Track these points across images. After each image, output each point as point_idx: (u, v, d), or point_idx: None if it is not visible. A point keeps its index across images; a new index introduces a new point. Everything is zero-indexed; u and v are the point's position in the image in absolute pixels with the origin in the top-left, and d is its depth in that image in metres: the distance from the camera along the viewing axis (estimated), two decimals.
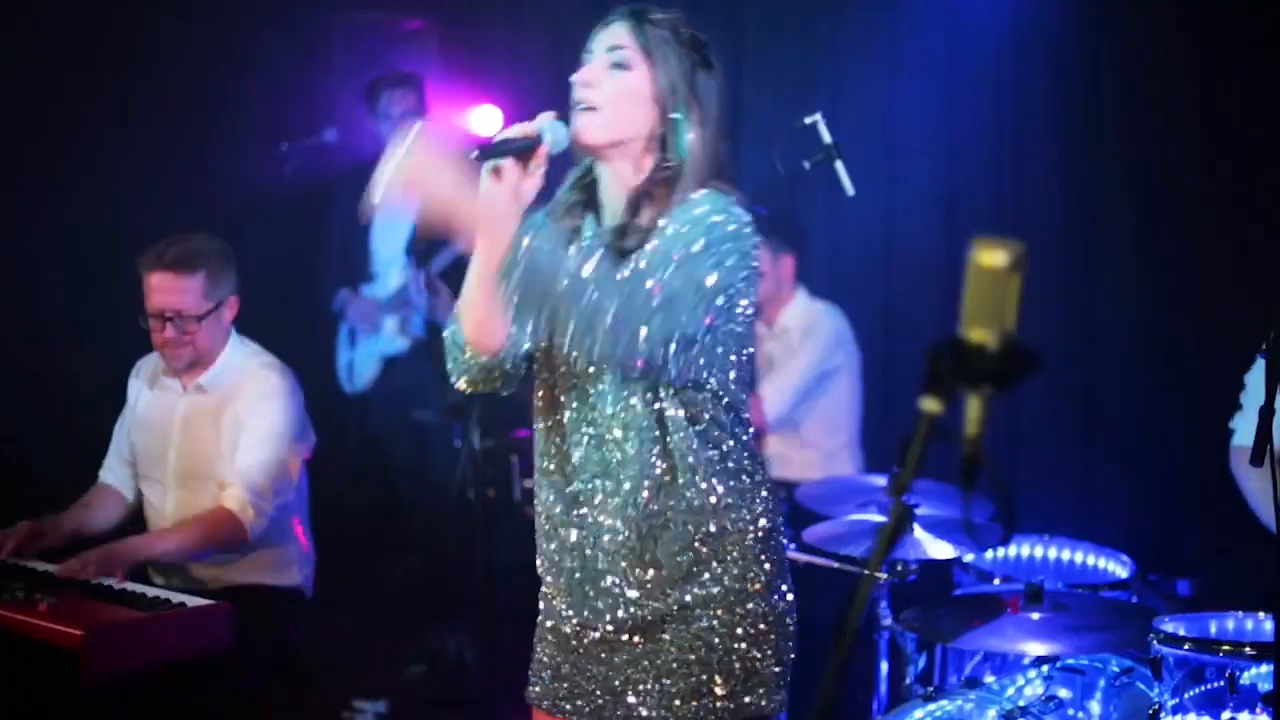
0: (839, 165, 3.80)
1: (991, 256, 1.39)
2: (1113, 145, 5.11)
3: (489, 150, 2.37)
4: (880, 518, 3.64)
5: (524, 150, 2.38)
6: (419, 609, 5.51)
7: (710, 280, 2.33)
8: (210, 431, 3.70)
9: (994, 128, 5.27)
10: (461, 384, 2.56)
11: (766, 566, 2.52)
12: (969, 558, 3.81)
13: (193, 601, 3.32)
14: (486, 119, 5.45)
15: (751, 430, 2.56)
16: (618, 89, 2.44)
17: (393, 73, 5.55)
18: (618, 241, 2.44)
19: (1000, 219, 5.18)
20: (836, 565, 3.60)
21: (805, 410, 4.85)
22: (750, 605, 2.48)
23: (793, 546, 3.80)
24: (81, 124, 5.08)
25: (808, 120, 3.79)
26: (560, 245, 2.32)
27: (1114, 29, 5.08)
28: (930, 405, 1.43)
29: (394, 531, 5.61)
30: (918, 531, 3.39)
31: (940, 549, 3.36)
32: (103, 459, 3.94)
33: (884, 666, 3.66)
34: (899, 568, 3.53)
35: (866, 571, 1.56)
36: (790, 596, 2.56)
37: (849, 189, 3.83)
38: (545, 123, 2.41)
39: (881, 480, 4.12)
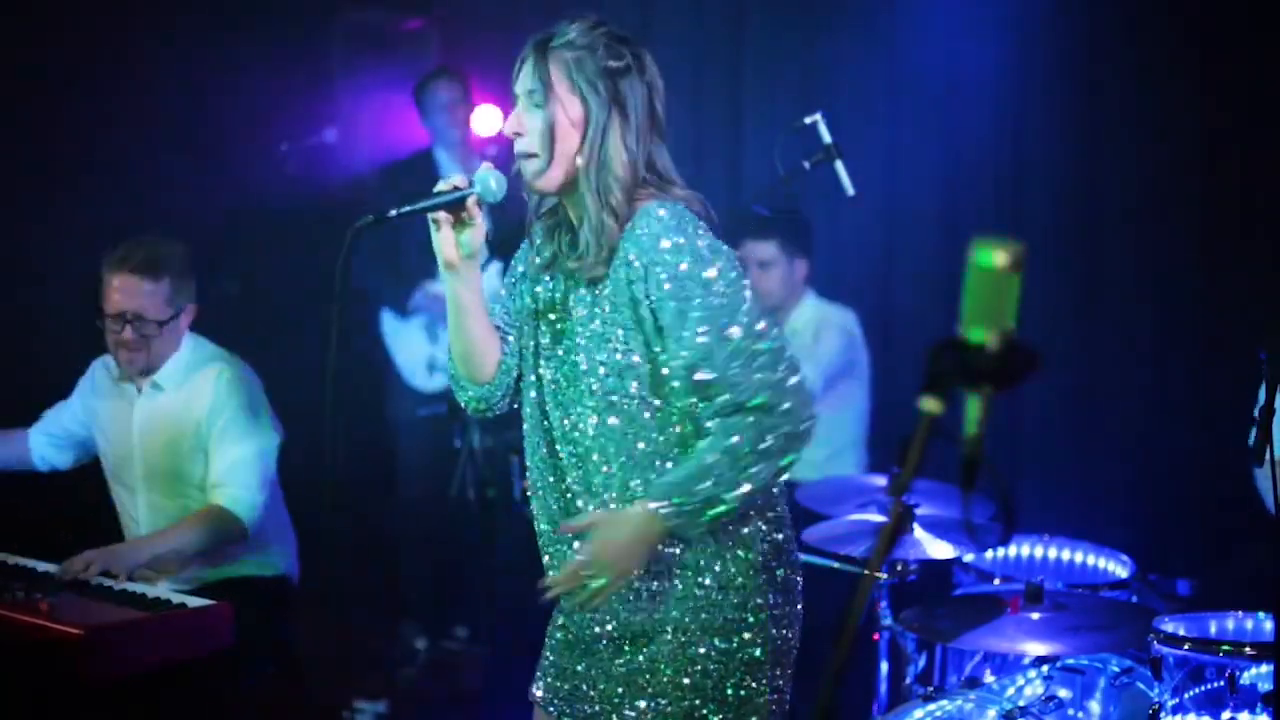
0: (839, 165, 3.79)
1: (991, 256, 1.39)
2: (1114, 144, 5.10)
3: (415, 208, 2.48)
4: (880, 518, 3.64)
5: (452, 203, 2.47)
6: (419, 609, 5.51)
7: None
8: (172, 431, 3.68)
9: (994, 128, 5.26)
10: (470, 411, 2.69)
11: (771, 595, 2.52)
12: (969, 558, 3.80)
13: (193, 601, 3.32)
14: (487, 119, 5.44)
15: None
16: (542, 128, 2.45)
17: (437, 67, 5.59)
18: (585, 276, 2.48)
19: (1000, 219, 5.18)
20: (836, 565, 3.59)
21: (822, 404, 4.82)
22: (748, 635, 2.48)
23: None
24: (79, 123, 5.06)
25: (808, 120, 3.79)
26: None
27: (1116, 27, 5.07)
28: (930, 405, 1.43)
29: (394, 531, 5.61)
30: (918, 531, 3.38)
31: (940, 549, 3.35)
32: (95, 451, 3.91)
33: (884, 666, 3.66)
34: (899, 568, 3.53)
35: (866, 571, 1.56)
36: (794, 622, 2.57)
37: (849, 189, 3.83)
38: (479, 173, 2.50)
39: (881, 480, 4.11)
